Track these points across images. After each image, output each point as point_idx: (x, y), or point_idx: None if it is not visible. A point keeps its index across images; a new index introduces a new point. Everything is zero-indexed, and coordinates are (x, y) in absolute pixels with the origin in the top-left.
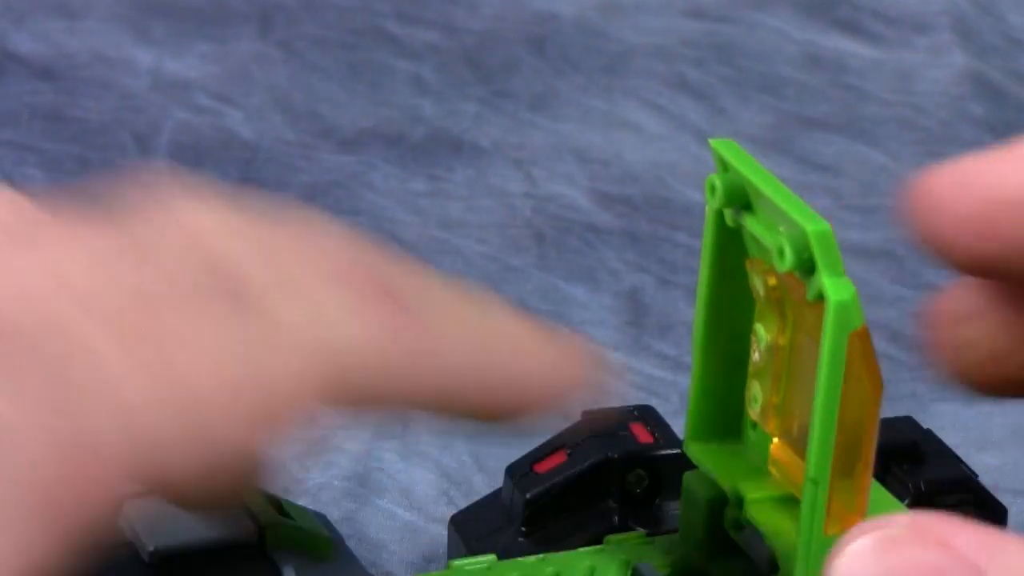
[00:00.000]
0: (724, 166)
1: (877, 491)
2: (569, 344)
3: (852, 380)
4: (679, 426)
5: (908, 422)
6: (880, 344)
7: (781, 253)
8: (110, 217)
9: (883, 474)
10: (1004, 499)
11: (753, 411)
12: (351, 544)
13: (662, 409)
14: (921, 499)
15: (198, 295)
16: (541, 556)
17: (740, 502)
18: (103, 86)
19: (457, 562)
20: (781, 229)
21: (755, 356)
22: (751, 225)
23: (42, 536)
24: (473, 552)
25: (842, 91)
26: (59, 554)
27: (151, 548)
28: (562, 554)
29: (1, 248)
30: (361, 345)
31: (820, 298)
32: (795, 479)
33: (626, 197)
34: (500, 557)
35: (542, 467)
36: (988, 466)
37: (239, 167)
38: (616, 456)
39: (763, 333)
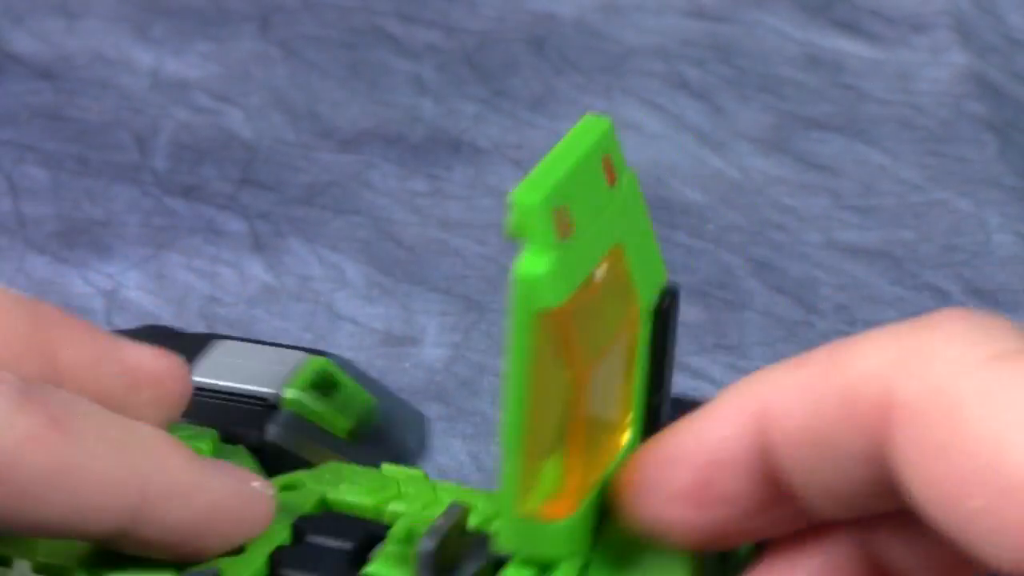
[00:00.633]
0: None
1: None
2: (232, 481)
3: (543, 363)
4: None
5: None
6: None
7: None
8: None
9: None
10: None
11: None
12: None
13: None
14: None
15: None
16: (455, 487)
17: None
18: (103, 86)
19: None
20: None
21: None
22: None
23: None
24: None
25: (841, 91)
26: None
27: (192, 378)
28: (469, 489)
29: None
30: (11, 448)
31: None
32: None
33: None
34: None
35: None
36: None
37: (239, 167)
38: None
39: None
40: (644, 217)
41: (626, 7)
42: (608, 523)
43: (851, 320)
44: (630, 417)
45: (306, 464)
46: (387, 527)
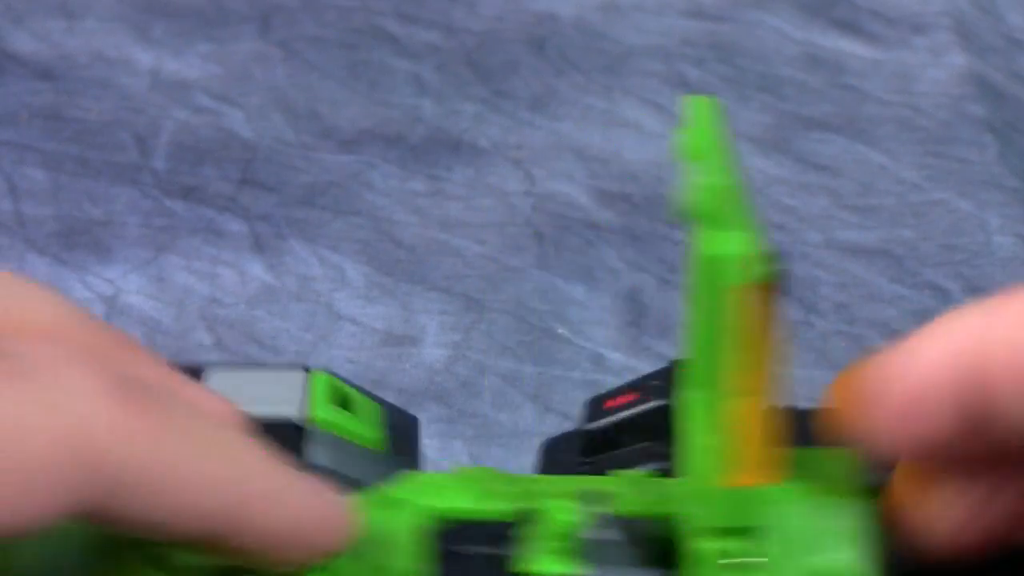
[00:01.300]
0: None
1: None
2: (318, 491)
3: (734, 335)
4: None
5: None
6: (879, 343)
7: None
8: None
9: None
10: None
11: None
12: None
13: None
14: None
15: None
16: (537, 476)
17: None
18: (103, 86)
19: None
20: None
21: None
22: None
23: None
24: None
25: (841, 91)
26: None
27: None
28: (560, 477)
29: None
30: (122, 441)
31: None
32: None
33: (626, 196)
34: None
35: (611, 403)
36: None
37: (239, 167)
38: (673, 404)
39: None
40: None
41: (626, 7)
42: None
43: (851, 319)
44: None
45: (349, 482)
46: (509, 525)
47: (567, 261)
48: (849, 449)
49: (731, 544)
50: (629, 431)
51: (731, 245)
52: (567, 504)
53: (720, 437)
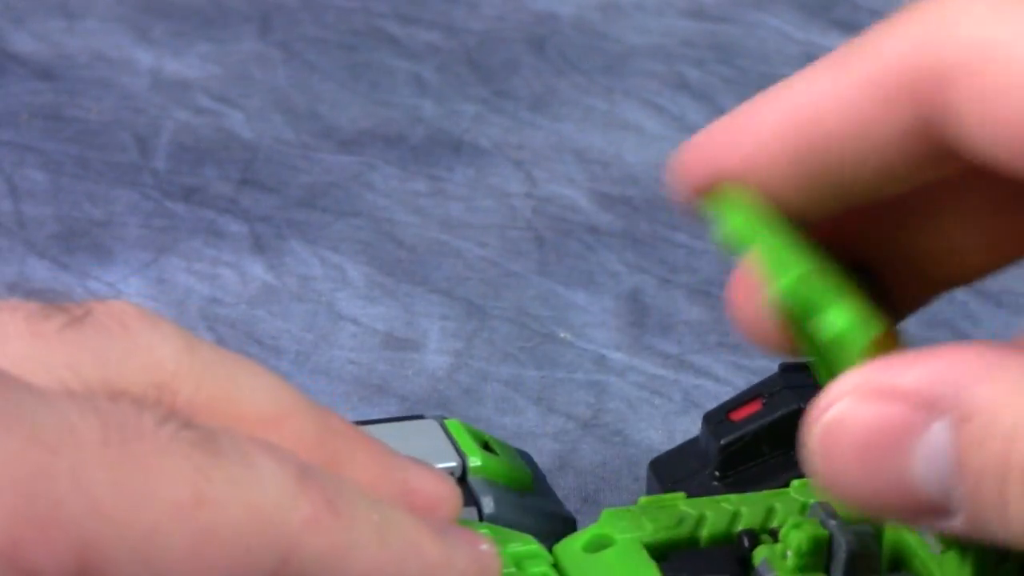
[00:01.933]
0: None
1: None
2: (471, 547)
3: None
4: (686, 425)
5: None
6: None
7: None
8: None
9: None
10: None
11: None
12: None
13: (665, 408)
14: None
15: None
16: (724, 496)
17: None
18: (103, 86)
19: (645, 499)
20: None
21: None
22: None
23: None
24: (667, 492)
25: None
26: None
27: None
28: (745, 495)
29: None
30: (295, 530)
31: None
32: None
33: (626, 198)
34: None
35: (737, 415)
36: None
37: (239, 167)
38: (807, 407)
39: None
40: None
41: (626, 7)
42: None
43: None
44: None
45: (520, 528)
46: (732, 548)
47: (568, 267)
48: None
49: None
50: (768, 441)
51: (844, 319)
52: (804, 520)
53: None
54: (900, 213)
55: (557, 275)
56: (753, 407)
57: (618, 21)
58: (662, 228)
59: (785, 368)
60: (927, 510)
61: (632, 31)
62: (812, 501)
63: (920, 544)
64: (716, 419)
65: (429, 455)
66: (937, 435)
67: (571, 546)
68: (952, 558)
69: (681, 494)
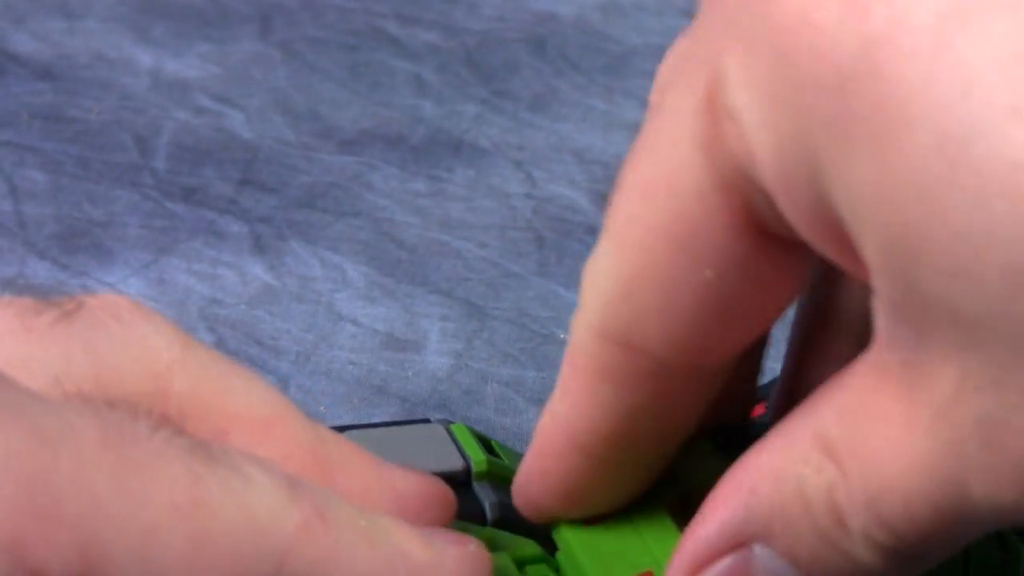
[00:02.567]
0: None
1: None
2: (459, 548)
3: None
4: None
5: None
6: None
7: None
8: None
9: None
10: None
11: None
12: None
13: None
14: None
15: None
16: None
17: None
18: (103, 86)
19: None
20: None
21: None
22: None
23: None
24: None
25: None
26: None
27: None
28: None
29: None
30: (287, 538)
31: None
32: None
33: None
34: None
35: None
36: None
37: (239, 168)
38: None
39: None
40: None
41: (626, 7)
42: None
43: None
44: None
45: (522, 531)
46: None
47: (568, 267)
48: None
49: None
50: None
51: None
52: None
53: None
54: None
55: (557, 275)
56: (758, 409)
57: (618, 21)
58: None
59: None
60: None
61: (632, 31)
62: None
63: None
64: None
65: (433, 458)
66: (764, 559)
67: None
68: None
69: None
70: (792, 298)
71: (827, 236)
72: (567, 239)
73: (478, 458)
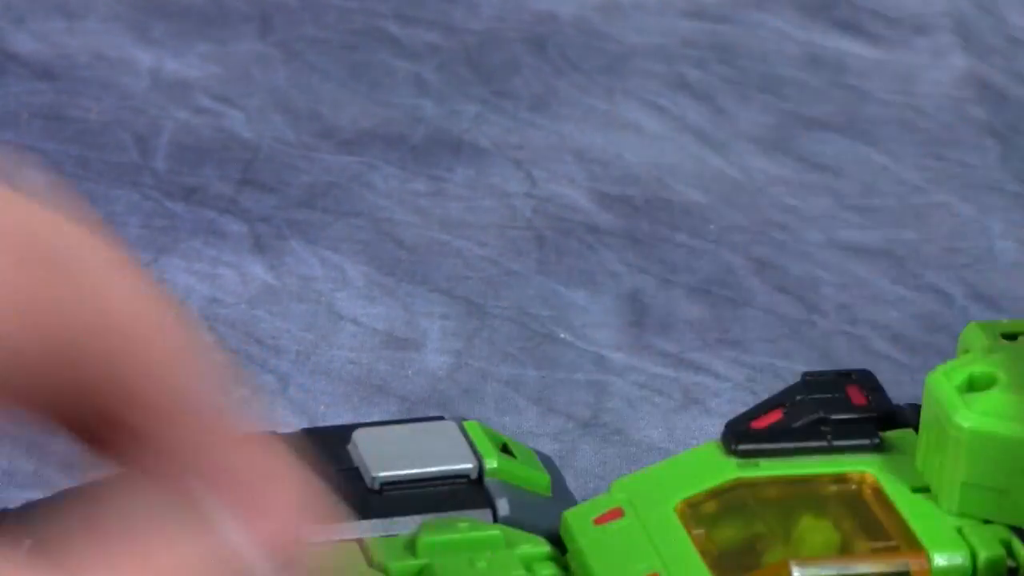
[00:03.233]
0: None
1: None
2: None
3: None
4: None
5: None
6: (881, 345)
7: None
8: None
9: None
10: None
11: None
12: None
13: (665, 406)
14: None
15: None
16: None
17: None
18: (103, 87)
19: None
20: None
21: None
22: None
23: None
24: None
25: (843, 91)
26: None
27: (376, 475)
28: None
29: None
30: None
31: None
32: None
33: (627, 198)
34: None
35: (759, 424)
36: None
37: (239, 167)
38: (828, 416)
39: None
40: None
41: (626, 7)
42: None
43: (853, 320)
44: None
45: (536, 531)
46: None
47: (568, 267)
48: None
49: None
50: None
51: None
52: None
53: None
54: None
55: (557, 275)
56: (774, 416)
57: (618, 21)
58: (662, 228)
59: (808, 377)
60: None
61: (632, 31)
62: None
63: None
64: (737, 427)
65: (447, 456)
66: None
67: (583, 515)
68: None
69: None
70: None
71: None
72: (567, 238)
73: (490, 456)
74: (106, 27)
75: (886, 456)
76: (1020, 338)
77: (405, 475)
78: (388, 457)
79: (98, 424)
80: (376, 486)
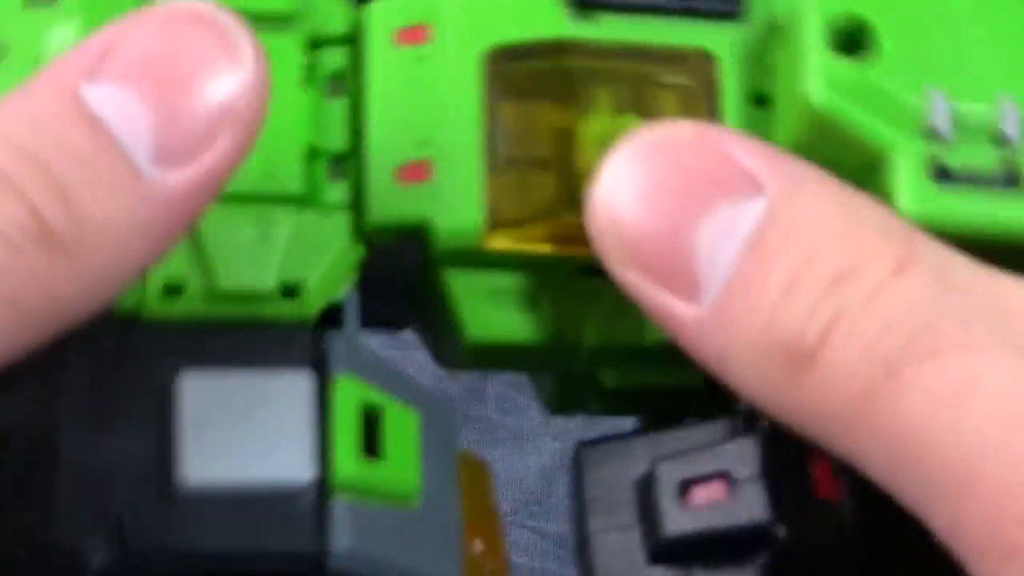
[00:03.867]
0: None
1: None
2: None
3: None
4: None
5: None
6: None
7: None
8: None
9: None
10: None
11: None
12: None
13: None
14: None
15: None
16: None
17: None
18: None
19: None
20: None
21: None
22: None
23: None
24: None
25: None
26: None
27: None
28: None
29: None
30: None
31: None
32: None
33: None
34: None
35: (700, 497)
36: None
37: None
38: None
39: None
40: None
41: None
42: None
43: None
44: None
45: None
46: None
47: None
48: None
49: None
50: (727, 548)
51: None
52: None
53: None
54: None
55: None
56: (719, 492)
57: None
58: None
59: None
60: (682, 280)
61: None
62: None
63: None
64: (670, 485)
65: (265, 451)
66: (743, 212)
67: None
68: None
69: None
70: None
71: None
72: None
73: (344, 460)
74: None
75: (745, 32)
76: None
77: (217, 487)
78: (208, 443)
79: None
80: (179, 493)
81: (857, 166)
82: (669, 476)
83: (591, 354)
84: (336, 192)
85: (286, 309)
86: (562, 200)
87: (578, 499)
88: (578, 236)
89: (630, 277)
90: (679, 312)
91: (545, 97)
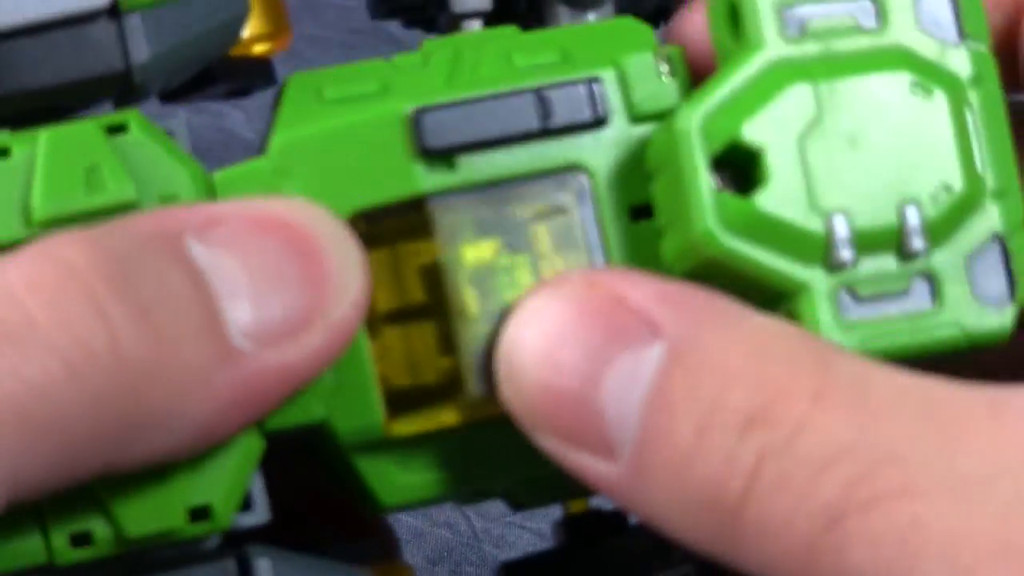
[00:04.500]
0: None
1: None
2: None
3: None
4: None
5: None
6: None
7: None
8: None
9: None
10: None
11: None
12: None
13: None
14: None
15: None
16: None
17: None
18: None
19: None
20: None
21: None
22: None
23: None
24: None
25: None
26: None
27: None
28: None
29: None
30: None
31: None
32: None
33: None
34: None
35: None
36: None
37: None
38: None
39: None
40: None
41: None
42: None
43: None
44: None
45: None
46: None
47: None
48: None
49: None
50: None
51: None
52: None
53: None
54: None
55: None
56: None
57: None
58: None
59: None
60: (595, 440)
61: None
62: None
63: None
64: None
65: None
66: (644, 360)
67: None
68: None
69: None
70: None
71: None
72: None
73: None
74: None
75: (615, 136)
76: None
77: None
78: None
79: None
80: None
81: (761, 297)
82: None
83: (507, 492)
84: None
85: (200, 529)
86: (445, 345)
87: None
88: (480, 402)
89: (546, 443)
90: (601, 471)
91: (410, 238)
